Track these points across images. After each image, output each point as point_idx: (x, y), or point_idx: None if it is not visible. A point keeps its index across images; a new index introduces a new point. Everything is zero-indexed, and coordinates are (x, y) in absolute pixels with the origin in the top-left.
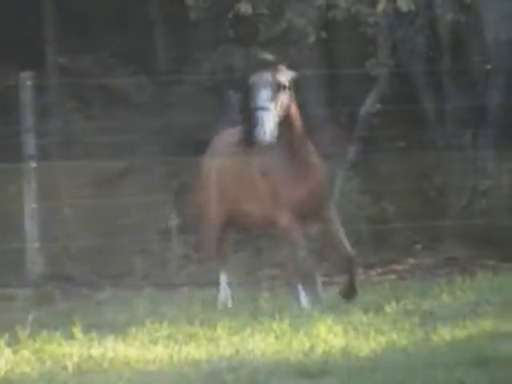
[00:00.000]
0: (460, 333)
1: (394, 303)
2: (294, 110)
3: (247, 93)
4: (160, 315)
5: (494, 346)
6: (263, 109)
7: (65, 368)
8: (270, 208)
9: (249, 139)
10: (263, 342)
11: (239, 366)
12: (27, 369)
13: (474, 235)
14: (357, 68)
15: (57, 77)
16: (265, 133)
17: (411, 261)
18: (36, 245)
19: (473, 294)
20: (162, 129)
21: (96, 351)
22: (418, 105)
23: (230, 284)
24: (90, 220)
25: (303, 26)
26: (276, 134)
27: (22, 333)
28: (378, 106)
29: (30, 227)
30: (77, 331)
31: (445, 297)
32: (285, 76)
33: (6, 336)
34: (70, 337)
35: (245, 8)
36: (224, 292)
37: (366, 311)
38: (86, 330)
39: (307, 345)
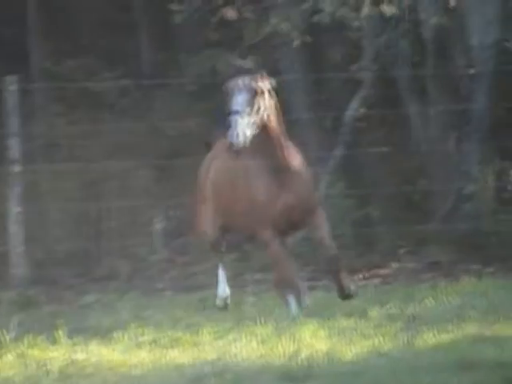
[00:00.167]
0: (444, 337)
1: (378, 307)
2: (274, 115)
3: (224, 98)
4: (144, 319)
5: (478, 350)
6: (236, 112)
7: (49, 372)
8: (251, 217)
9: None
10: (247, 347)
11: (223, 370)
12: (11, 373)
13: (458, 240)
14: (341, 72)
15: (41, 81)
16: (237, 136)
17: (395, 265)
18: (20, 248)
19: (457, 299)
20: (146, 133)
21: (80, 355)
22: (402, 109)
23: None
24: (75, 224)
25: (288, 31)
26: (250, 138)
27: (6, 337)
28: (363, 110)
29: (15, 231)
30: (61, 335)
31: (429, 301)
32: (263, 82)
33: None
34: (55, 341)
35: (230, 12)
36: (223, 289)
37: (350, 315)
38: (71, 334)
39: (291, 349)
